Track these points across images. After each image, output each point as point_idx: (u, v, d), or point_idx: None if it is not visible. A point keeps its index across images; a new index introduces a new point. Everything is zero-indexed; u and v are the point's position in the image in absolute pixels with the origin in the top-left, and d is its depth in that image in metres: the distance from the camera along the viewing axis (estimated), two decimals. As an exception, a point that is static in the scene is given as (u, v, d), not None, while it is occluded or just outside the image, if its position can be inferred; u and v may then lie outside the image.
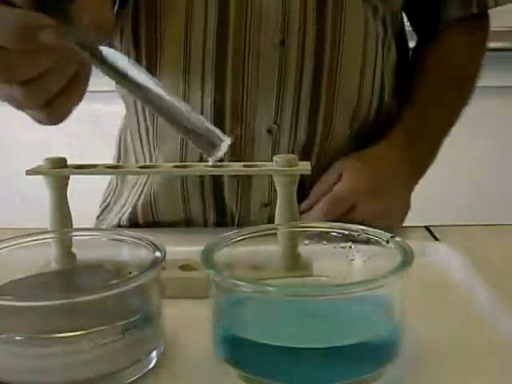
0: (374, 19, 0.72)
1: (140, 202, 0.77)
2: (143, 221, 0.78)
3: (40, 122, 0.46)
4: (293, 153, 0.71)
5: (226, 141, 0.40)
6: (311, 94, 0.70)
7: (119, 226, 0.80)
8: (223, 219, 0.76)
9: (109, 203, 0.85)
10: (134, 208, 0.78)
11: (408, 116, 0.77)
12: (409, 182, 0.77)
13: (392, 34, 0.76)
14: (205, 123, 0.40)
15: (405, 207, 0.77)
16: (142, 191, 0.78)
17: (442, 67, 0.80)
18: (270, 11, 0.67)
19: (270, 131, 0.70)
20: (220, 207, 0.75)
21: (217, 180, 0.73)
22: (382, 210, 0.71)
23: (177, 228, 0.76)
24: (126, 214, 0.79)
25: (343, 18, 0.69)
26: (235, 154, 0.71)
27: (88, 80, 0.44)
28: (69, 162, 0.54)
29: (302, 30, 0.68)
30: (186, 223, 0.77)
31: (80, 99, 0.44)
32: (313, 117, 0.71)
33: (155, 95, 0.39)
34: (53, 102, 0.42)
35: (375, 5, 0.72)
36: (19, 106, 0.43)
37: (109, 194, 0.86)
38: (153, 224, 0.77)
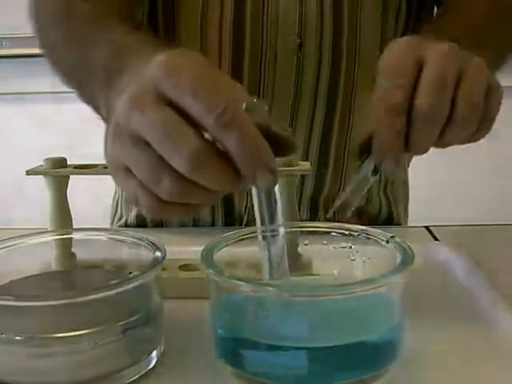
0: (394, 17, 0.70)
1: None
2: (151, 220, 0.77)
3: (137, 204, 0.41)
4: (308, 155, 0.71)
5: None
6: (327, 95, 0.69)
7: (126, 225, 0.80)
8: (231, 219, 0.76)
9: (122, 214, 0.83)
10: None
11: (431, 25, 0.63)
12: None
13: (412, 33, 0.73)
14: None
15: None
16: None
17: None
18: (287, 15, 0.67)
19: None
20: (228, 207, 0.75)
21: None
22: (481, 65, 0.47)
23: (180, 228, 0.76)
24: (133, 213, 0.79)
25: (360, 18, 0.68)
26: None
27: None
28: (69, 162, 0.54)
29: (319, 33, 0.67)
30: (193, 224, 0.76)
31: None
32: (328, 119, 0.70)
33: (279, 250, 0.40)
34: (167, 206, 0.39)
35: (397, 3, 0.70)
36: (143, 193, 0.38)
37: (117, 203, 0.84)
38: (160, 224, 0.77)
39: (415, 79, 0.43)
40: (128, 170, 0.38)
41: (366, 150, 0.44)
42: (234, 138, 0.35)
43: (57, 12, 0.62)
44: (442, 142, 0.45)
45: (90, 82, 0.52)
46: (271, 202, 0.39)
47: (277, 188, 0.40)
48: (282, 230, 0.41)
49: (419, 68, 0.44)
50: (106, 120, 0.45)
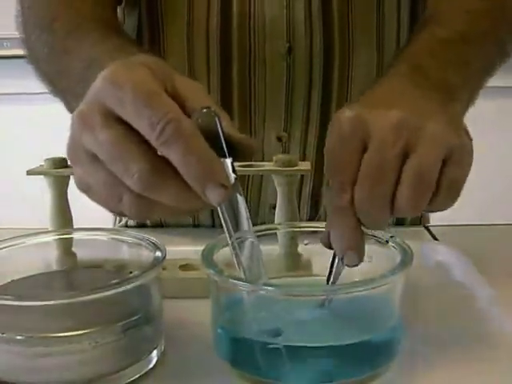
0: (394, 10, 0.68)
1: None
2: (151, 222, 0.77)
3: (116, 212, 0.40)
4: (305, 155, 0.70)
5: None
6: (321, 99, 0.68)
7: (126, 225, 0.80)
8: None
9: (121, 217, 0.82)
10: None
11: (414, 39, 0.56)
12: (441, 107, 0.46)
13: (408, 29, 0.70)
14: None
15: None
16: None
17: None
18: (275, 22, 0.66)
19: (279, 139, 0.70)
20: None
21: None
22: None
23: (180, 228, 0.76)
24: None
25: (351, 19, 0.67)
26: (244, 161, 0.70)
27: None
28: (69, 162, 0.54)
29: (309, 36, 0.66)
30: (193, 226, 0.76)
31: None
32: (323, 123, 0.69)
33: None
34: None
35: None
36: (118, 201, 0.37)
37: None
38: (160, 225, 0.77)
39: (357, 171, 0.40)
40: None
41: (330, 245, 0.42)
42: (177, 154, 0.34)
43: (38, 22, 0.62)
44: (396, 215, 0.41)
45: (69, 94, 0.53)
46: (232, 208, 0.38)
47: (239, 195, 0.39)
48: (250, 236, 0.40)
49: (363, 149, 0.40)
50: None
